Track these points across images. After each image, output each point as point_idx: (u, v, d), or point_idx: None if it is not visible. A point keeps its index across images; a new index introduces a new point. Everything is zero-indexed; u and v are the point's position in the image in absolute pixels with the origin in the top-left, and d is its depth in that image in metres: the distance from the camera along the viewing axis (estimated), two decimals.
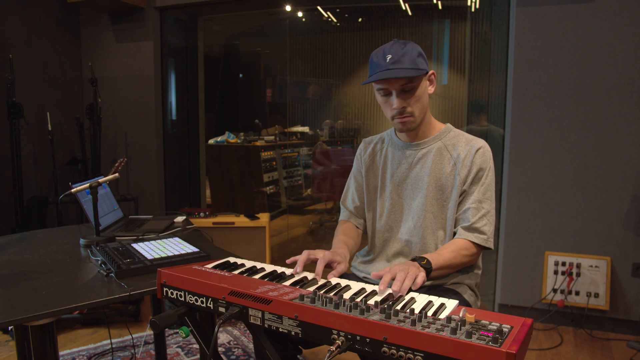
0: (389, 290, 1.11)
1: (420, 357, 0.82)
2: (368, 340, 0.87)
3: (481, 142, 1.45)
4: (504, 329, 0.85)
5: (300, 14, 4.25)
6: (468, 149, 1.44)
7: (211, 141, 4.38)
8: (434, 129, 1.50)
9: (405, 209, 1.50)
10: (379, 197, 1.55)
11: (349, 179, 1.67)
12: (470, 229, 1.39)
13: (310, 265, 1.29)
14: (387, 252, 1.53)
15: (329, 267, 1.31)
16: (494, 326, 0.87)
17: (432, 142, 1.49)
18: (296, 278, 1.20)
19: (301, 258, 1.27)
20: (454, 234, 1.44)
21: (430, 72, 1.43)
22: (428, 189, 1.45)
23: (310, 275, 1.22)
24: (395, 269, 1.17)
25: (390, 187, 1.52)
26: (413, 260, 1.27)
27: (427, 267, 1.25)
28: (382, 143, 1.59)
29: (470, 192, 1.42)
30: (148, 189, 3.74)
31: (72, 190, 1.79)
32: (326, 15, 4.18)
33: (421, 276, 1.19)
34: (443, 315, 0.95)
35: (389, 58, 1.36)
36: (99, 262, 1.50)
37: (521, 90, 2.71)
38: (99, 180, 1.84)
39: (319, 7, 4.06)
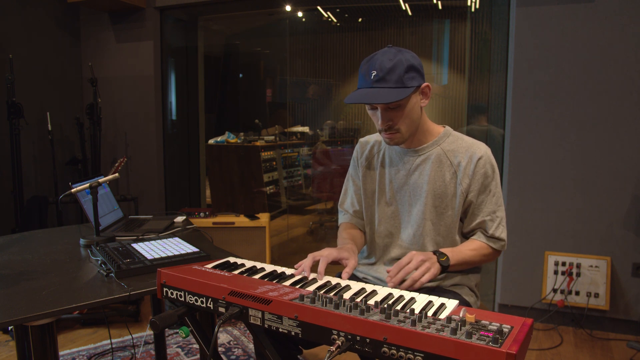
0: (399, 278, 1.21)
1: (420, 358, 0.82)
2: (368, 340, 0.86)
3: (482, 149, 1.40)
4: (504, 329, 0.85)
5: (300, 14, 4.25)
6: (469, 157, 1.39)
7: (211, 141, 4.38)
8: (432, 134, 1.44)
9: (404, 216, 1.47)
10: (377, 202, 1.51)
11: (346, 181, 1.63)
12: (491, 238, 1.42)
13: (315, 265, 1.28)
14: (388, 257, 1.51)
15: (336, 264, 1.31)
16: (494, 326, 0.87)
17: (430, 148, 1.43)
18: (296, 278, 1.20)
19: (306, 264, 1.25)
20: (459, 241, 1.44)
21: (424, 84, 1.35)
22: (427, 197, 1.41)
23: (310, 275, 1.22)
24: (418, 257, 1.24)
25: (388, 193, 1.49)
26: (434, 253, 1.31)
27: (445, 265, 1.29)
28: (379, 145, 1.54)
29: (481, 203, 1.40)
30: (148, 189, 3.74)
31: (72, 190, 1.79)
32: (326, 15, 4.17)
33: (433, 271, 1.25)
34: (443, 315, 0.95)
35: (373, 74, 1.28)
36: (99, 262, 1.50)
37: (521, 90, 2.71)
38: (99, 180, 1.84)
39: (319, 7, 4.06)
